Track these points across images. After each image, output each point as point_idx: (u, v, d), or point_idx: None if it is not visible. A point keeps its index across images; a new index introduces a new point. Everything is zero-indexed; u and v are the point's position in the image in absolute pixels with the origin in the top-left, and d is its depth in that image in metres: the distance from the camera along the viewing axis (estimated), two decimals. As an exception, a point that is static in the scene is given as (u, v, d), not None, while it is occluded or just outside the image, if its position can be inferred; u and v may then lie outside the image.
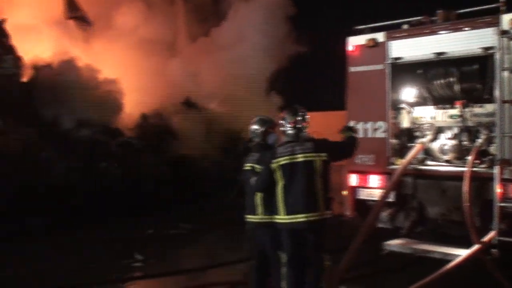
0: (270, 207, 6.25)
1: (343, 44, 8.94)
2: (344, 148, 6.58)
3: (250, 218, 6.44)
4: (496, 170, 7.17)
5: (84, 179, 13.10)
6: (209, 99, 17.80)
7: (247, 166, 6.52)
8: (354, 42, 8.85)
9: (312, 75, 20.24)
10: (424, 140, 8.46)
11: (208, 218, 12.80)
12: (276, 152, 6.18)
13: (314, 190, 6.05)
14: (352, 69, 8.87)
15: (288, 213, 6.05)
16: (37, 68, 15.07)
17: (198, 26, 19.63)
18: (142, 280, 8.66)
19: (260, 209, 6.33)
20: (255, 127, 6.61)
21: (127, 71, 16.44)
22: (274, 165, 6.12)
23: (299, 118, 6.29)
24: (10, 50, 14.95)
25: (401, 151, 8.56)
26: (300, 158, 6.11)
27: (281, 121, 6.37)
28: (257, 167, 6.37)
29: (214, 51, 18.58)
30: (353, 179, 8.77)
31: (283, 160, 6.12)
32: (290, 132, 6.28)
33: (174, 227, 11.85)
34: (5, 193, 11.49)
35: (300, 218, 6.00)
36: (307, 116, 6.33)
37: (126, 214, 12.51)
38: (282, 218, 6.10)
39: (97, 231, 11.45)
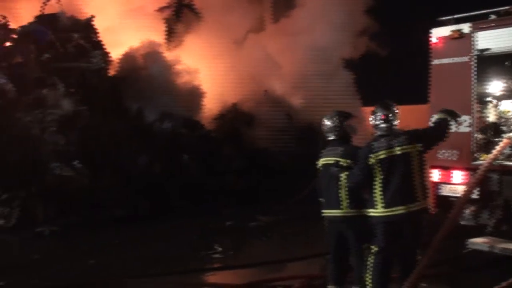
0: (357, 201, 6.29)
1: (426, 36, 8.72)
2: (436, 132, 6.52)
3: (333, 212, 6.43)
4: None
5: (166, 171, 13.44)
6: (289, 90, 17.77)
7: (329, 160, 6.51)
8: (437, 33, 8.59)
9: (394, 68, 19.83)
10: (511, 134, 8.12)
11: (286, 211, 12.81)
12: (372, 147, 6.17)
13: (412, 182, 6.09)
14: (436, 61, 8.62)
15: (387, 206, 6.06)
16: (123, 62, 15.62)
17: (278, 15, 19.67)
18: (221, 271, 8.82)
19: (345, 203, 6.34)
20: (332, 121, 6.58)
21: (209, 62, 16.76)
22: (372, 160, 6.12)
23: (391, 112, 6.29)
24: (98, 45, 15.59)
25: (487, 146, 8.24)
26: (397, 151, 6.11)
27: (372, 116, 6.38)
28: (342, 160, 6.37)
29: (295, 42, 18.52)
30: (435, 175, 8.53)
31: (381, 155, 6.12)
32: (382, 126, 6.28)
33: (253, 219, 11.95)
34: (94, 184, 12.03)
35: (400, 210, 6.02)
36: (397, 110, 6.33)
37: (205, 205, 12.77)
38: (379, 211, 6.11)
39: (177, 222, 11.72)
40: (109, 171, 12.49)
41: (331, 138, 6.63)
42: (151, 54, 15.98)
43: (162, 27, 17.05)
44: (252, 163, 15.03)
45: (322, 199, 6.67)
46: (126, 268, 8.59)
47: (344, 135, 6.56)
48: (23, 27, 15.57)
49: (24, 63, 14.90)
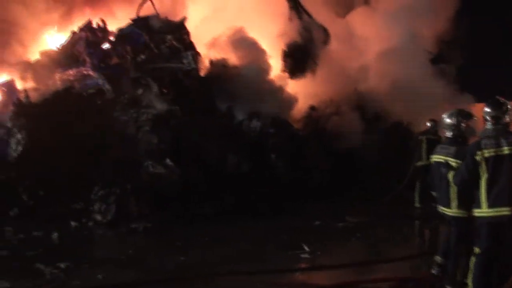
0: (466, 201, 6.31)
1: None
2: None
3: (444, 210, 6.61)
4: None
5: (254, 169, 13.59)
6: (378, 86, 17.45)
7: (440, 158, 6.59)
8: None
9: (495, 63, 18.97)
10: None
11: (374, 211, 12.64)
12: (480, 144, 6.06)
13: None
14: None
15: (491, 206, 5.96)
16: (214, 63, 15.94)
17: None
18: (309, 271, 8.84)
19: (454, 203, 6.43)
20: (452, 120, 6.63)
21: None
22: (478, 157, 6.01)
23: (501, 110, 6.11)
24: (190, 46, 15.99)
25: None
26: (506, 151, 5.97)
27: (483, 114, 6.24)
28: (452, 160, 6.44)
29: (384, 32, 18.17)
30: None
31: (487, 153, 5.99)
32: (491, 124, 6.12)
33: (341, 219, 11.88)
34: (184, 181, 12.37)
35: (504, 211, 5.91)
36: (509, 108, 6.12)
37: (293, 204, 12.82)
38: (483, 211, 6.02)
39: (265, 221, 11.83)
40: (199, 169, 12.78)
41: (447, 136, 6.71)
42: (242, 54, 16.19)
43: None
44: (340, 162, 14.92)
45: (435, 193, 6.88)
46: (214, 266, 8.77)
47: (459, 135, 6.61)
48: (120, 29, 16.26)
49: (120, 64, 15.58)
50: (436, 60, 18.43)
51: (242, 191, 12.76)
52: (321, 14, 18.13)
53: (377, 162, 15.10)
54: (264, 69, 16.23)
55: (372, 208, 12.91)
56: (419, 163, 12.85)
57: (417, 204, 13.05)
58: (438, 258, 7.07)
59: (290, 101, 16.17)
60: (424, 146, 12.77)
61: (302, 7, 17.74)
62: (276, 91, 15.97)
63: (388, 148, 15.43)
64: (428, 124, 13.11)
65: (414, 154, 13.15)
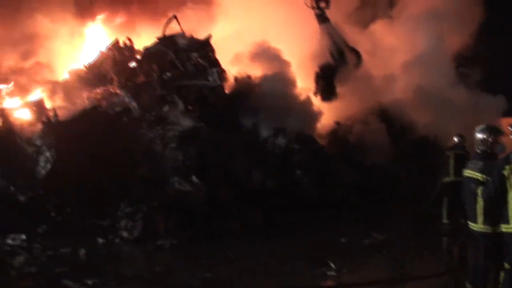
0: (493, 217, 6.26)
1: None
2: None
3: (471, 225, 6.58)
4: None
5: (279, 186, 13.58)
6: (402, 103, 17.34)
7: (469, 173, 6.61)
8: None
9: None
10: None
11: (401, 228, 12.52)
12: (509, 159, 6.06)
13: None
14: None
15: None
16: (239, 79, 16.04)
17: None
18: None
19: (480, 218, 6.40)
20: (481, 135, 6.61)
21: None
22: (506, 172, 5.99)
23: None
24: (215, 63, 16.14)
25: None
26: None
27: (510, 127, 6.39)
28: (479, 175, 6.43)
29: (407, 45, 18.09)
30: None
31: None
32: None
33: (367, 236, 11.78)
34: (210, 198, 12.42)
35: None
36: None
37: (319, 221, 12.76)
38: (511, 226, 5.99)
39: (291, 237, 11.78)
40: (225, 185, 12.82)
41: (477, 151, 6.72)
42: (266, 70, 16.28)
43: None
44: (366, 177, 14.83)
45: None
46: (240, 282, 8.78)
47: (489, 151, 6.58)
48: (146, 48, 16.49)
49: (147, 82, 15.77)
50: (463, 71, 18.24)
51: (268, 207, 12.74)
52: (344, 25, 18.13)
53: (403, 177, 14.98)
54: (289, 85, 16.30)
55: (399, 224, 12.77)
56: (447, 179, 12.70)
57: (444, 220, 12.88)
58: (468, 286, 6.95)
59: (315, 116, 16.17)
60: (451, 161, 12.62)
61: (333, 28, 17.73)
62: (301, 107, 15.99)
63: (415, 163, 15.29)
64: (456, 139, 12.95)
65: (441, 169, 13.01)
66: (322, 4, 17.55)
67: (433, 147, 15.79)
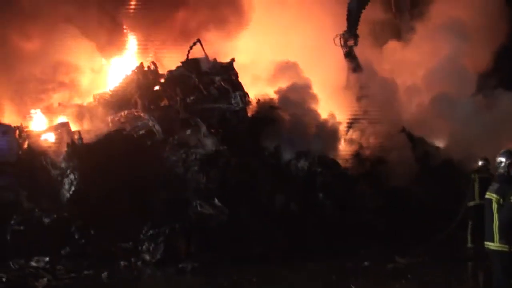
0: (509, 236, 6.52)
1: None
2: None
3: (487, 244, 6.82)
4: None
5: (302, 209, 13.51)
6: (427, 124, 17.19)
7: (489, 195, 6.90)
8: None
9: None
10: None
11: (425, 252, 12.34)
12: None
13: None
14: None
15: None
16: (262, 103, 16.11)
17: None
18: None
19: (496, 237, 6.63)
20: (501, 158, 6.97)
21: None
22: None
23: None
24: (238, 86, 16.24)
25: None
26: None
27: None
28: (493, 196, 6.76)
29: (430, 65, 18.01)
30: None
31: None
32: None
33: (390, 260, 11.63)
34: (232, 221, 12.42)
35: None
36: None
37: (342, 244, 12.64)
38: None
39: (314, 260, 11.69)
40: (247, 209, 12.80)
41: (497, 174, 7.10)
42: (288, 93, 16.33)
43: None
44: (389, 202, 14.67)
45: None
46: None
47: (506, 174, 6.90)
48: (170, 72, 16.68)
49: (170, 105, 15.93)
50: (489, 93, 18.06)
51: (291, 231, 12.68)
52: (363, 45, 18.16)
53: (427, 201, 14.79)
54: (311, 108, 16.32)
55: (423, 248, 12.59)
56: (471, 203, 12.53)
57: (469, 245, 12.67)
58: None
59: (338, 139, 16.12)
60: (476, 185, 12.47)
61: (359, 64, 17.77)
62: (324, 130, 15.97)
63: (439, 186, 15.09)
64: (480, 162, 12.80)
65: (466, 193, 12.84)
66: (351, 42, 17.60)
67: (458, 170, 15.57)
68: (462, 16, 18.24)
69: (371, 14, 18.68)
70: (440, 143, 16.91)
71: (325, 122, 16.24)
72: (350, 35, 17.54)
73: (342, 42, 17.61)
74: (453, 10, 18.47)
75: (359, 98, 16.79)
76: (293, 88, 16.36)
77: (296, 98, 16.16)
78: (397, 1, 20.48)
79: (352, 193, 14.51)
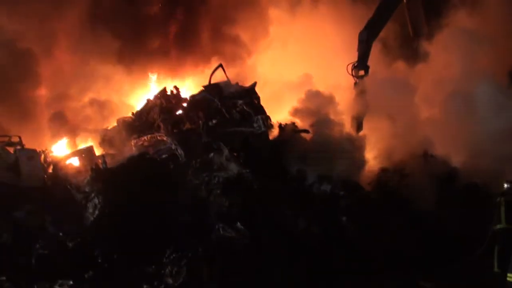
0: None
1: None
2: None
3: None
4: None
5: (325, 232, 13.42)
6: (451, 145, 16.98)
7: None
8: None
9: None
10: None
11: (450, 276, 12.15)
12: None
13: None
14: None
15: None
16: (284, 126, 16.13)
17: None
18: None
19: None
20: None
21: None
22: None
23: None
24: (260, 110, 16.33)
25: None
26: None
27: None
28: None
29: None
30: None
31: None
32: None
33: (414, 284, 11.47)
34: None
35: None
36: None
37: (365, 267, 12.51)
38: None
39: (336, 285, 11.59)
40: (270, 232, 12.75)
41: None
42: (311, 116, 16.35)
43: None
44: (413, 225, 14.49)
45: None
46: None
47: None
48: (192, 96, 16.86)
49: (193, 129, 16.06)
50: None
51: (313, 254, 12.59)
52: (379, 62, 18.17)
53: (452, 225, 14.58)
54: (334, 131, 16.30)
55: (447, 273, 12.41)
56: (498, 226, 12.32)
57: (496, 269, 12.43)
58: None
59: (361, 162, 16.03)
60: (502, 208, 12.27)
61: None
62: (346, 153, 15.90)
63: (464, 210, 14.87)
64: (506, 185, 12.60)
65: (492, 216, 12.65)
66: (361, 73, 17.60)
67: (483, 192, 15.34)
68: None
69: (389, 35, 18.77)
70: (462, 164, 16.67)
71: (348, 144, 16.16)
72: (361, 66, 17.49)
73: (354, 73, 17.56)
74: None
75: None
76: (316, 110, 16.36)
77: (319, 121, 16.15)
78: (415, 26, 20.48)
79: (375, 217, 14.38)
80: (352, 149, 16.07)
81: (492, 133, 16.58)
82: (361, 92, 17.20)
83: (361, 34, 17.37)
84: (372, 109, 16.73)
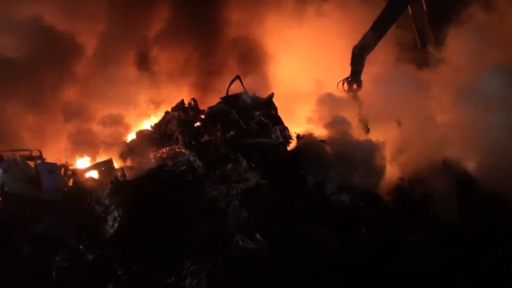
0: None
1: None
2: None
3: None
4: None
5: (344, 244, 13.34)
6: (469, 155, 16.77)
7: None
8: None
9: None
10: None
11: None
12: None
13: None
14: None
15: None
16: (302, 137, 16.12)
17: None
18: None
19: None
20: None
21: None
22: None
23: None
24: (278, 121, 16.36)
25: None
26: None
27: None
28: None
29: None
30: None
31: None
32: None
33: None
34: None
35: None
36: None
37: (385, 280, 12.40)
38: None
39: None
40: (288, 243, 12.72)
41: None
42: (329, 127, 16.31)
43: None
44: (432, 236, 14.33)
45: None
46: None
47: None
48: (210, 107, 16.94)
49: (211, 141, 16.13)
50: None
51: (332, 266, 12.52)
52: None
53: (474, 235, 14.40)
54: (352, 141, 16.22)
55: (469, 284, 12.25)
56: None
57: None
58: None
59: (380, 173, 15.91)
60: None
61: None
62: (366, 163, 15.80)
63: (486, 221, 14.69)
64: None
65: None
66: (355, 87, 17.59)
67: (505, 201, 15.14)
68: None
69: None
70: (485, 174, 16.44)
71: (367, 154, 16.06)
72: (354, 80, 17.46)
73: (347, 87, 17.51)
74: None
75: None
76: (333, 121, 16.31)
77: (337, 131, 16.09)
78: (422, 36, 20.45)
79: (396, 228, 14.27)
80: (371, 157, 15.96)
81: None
82: (357, 100, 17.24)
83: (354, 48, 17.40)
84: (385, 114, 16.65)
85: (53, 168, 15.07)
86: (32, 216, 13.85)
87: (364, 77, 17.58)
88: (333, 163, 15.11)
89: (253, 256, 12.43)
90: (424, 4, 21.26)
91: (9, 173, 14.64)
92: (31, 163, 15.44)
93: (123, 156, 16.50)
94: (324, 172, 15.00)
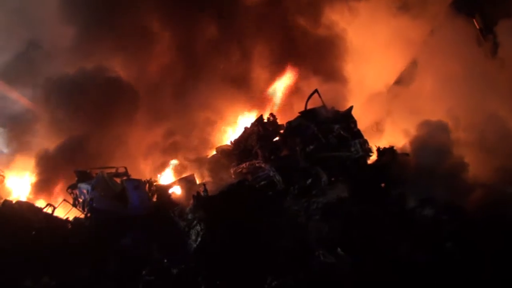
0: None
1: None
2: None
3: None
4: None
5: (429, 258, 12.96)
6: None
7: None
8: None
9: None
10: None
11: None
12: None
13: None
14: None
15: None
16: (382, 150, 15.84)
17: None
18: None
19: None
20: None
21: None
22: None
23: None
24: (358, 134, 16.17)
25: None
26: None
27: None
28: None
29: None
30: None
31: None
32: None
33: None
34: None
35: None
36: None
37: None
38: None
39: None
40: (370, 258, 12.50)
41: None
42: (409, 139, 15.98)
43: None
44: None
45: None
46: None
47: None
48: (289, 122, 16.98)
49: (290, 155, 16.14)
50: None
51: (416, 281, 12.19)
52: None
53: None
54: (435, 153, 15.78)
55: None
56: None
57: None
58: None
59: (465, 186, 15.37)
60: None
61: None
62: (450, 176, 15.31)
63: None
64: None
65: None
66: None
67: None
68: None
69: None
70: None
71: (451, 167, 15.58)
72: None
73: None
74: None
75: None
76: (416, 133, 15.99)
77: (419, 143, 15.72)
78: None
79: (481, 241, 13.70)
80: (453, 171, 15.47)
81: None
82: None
83: None
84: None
85: (138, 184, 15.57)
86: (119, 231, 14.33)
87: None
88: (417, 175, 14.75)
89: (334, 271, 12.29)
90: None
91: (97, 190, 15.27)
92: (118, 180, 16.02)
93: (204, 172, 16.81)
94: (407, 185, 14.67)
